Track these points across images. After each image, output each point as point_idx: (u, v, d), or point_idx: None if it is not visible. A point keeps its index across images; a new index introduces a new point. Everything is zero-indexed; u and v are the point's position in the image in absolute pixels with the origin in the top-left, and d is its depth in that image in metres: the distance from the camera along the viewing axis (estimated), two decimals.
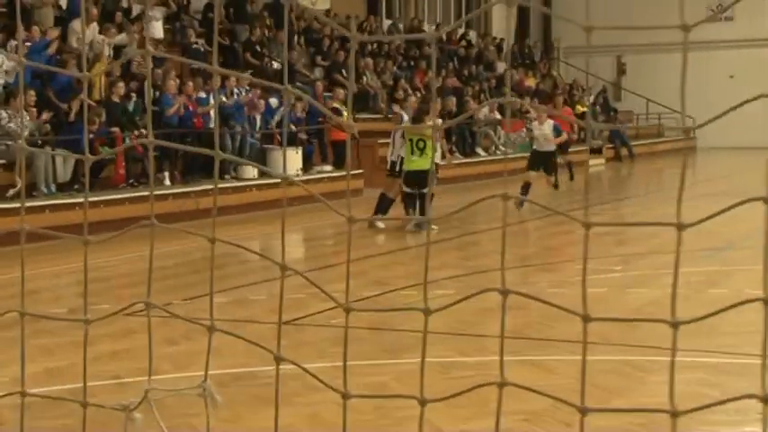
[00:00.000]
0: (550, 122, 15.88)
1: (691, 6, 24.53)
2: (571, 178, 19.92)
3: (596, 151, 26.77)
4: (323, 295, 8.76)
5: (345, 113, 19.10)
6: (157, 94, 15.85)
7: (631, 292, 8.21)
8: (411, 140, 12.67)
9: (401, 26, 26.51)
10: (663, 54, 32.02)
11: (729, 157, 23.74)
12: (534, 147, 16.08)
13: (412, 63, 24.82)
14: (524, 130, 24.36)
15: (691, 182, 21.61)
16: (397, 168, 13.21)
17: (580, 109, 28.31)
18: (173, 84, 15.96)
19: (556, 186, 16.94)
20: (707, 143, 30.30)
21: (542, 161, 15.90)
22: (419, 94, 20.63)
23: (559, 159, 16.98)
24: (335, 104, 18.93)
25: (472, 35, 29.76)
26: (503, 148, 22.34)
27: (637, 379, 5.78)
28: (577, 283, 8.69)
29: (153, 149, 2.35)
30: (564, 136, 16.57)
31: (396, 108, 19.16)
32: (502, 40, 30.21)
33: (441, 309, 2.03)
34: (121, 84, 15.44)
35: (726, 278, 8.37)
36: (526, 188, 15.71)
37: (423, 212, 12.68)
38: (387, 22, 26.53)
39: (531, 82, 28.56)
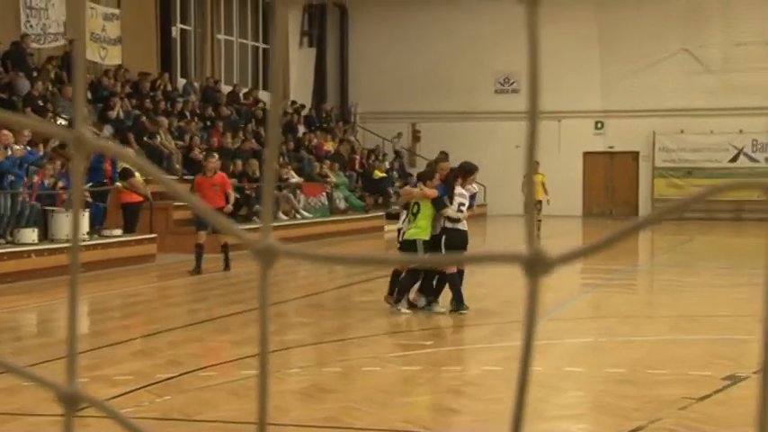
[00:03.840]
0: None
1: (482, 77, 24.97)
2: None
3: (393, 217, 26.74)
4: (112, 378, 7.60)
5: (138, 174, 18.02)
6: None
7: (446, 371, 7.76)
8: (407, 205, 11.01)
9: (197, 85, 25.69)
10: (454, 122, 32.76)
11: (514, 223, 24.28)
12: None
13: (208, 123, 24.04)
14: (323, 194, 24.00)
15: (484, 247, 21.87)
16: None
17: (378, 174, 28.33)
18: None
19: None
20: (495, 211, 31.09)
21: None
22: (215, 155, 19.65)
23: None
24: (126, 165, 17.82)
25: (267, 97, 29.32)
26: (303, 213, 21.84)
27: None
28: (391, 360, 8.18)
29: None
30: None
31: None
32: (302, 105, 29.84)
33: None
34: None
35: (540, 354, 8.09)
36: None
37: (421, 288, 11.01)
38: (182, 81, 25.63)
39: (329, 146, 28.39)
